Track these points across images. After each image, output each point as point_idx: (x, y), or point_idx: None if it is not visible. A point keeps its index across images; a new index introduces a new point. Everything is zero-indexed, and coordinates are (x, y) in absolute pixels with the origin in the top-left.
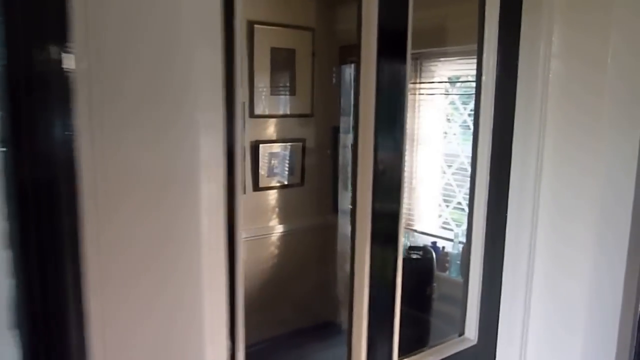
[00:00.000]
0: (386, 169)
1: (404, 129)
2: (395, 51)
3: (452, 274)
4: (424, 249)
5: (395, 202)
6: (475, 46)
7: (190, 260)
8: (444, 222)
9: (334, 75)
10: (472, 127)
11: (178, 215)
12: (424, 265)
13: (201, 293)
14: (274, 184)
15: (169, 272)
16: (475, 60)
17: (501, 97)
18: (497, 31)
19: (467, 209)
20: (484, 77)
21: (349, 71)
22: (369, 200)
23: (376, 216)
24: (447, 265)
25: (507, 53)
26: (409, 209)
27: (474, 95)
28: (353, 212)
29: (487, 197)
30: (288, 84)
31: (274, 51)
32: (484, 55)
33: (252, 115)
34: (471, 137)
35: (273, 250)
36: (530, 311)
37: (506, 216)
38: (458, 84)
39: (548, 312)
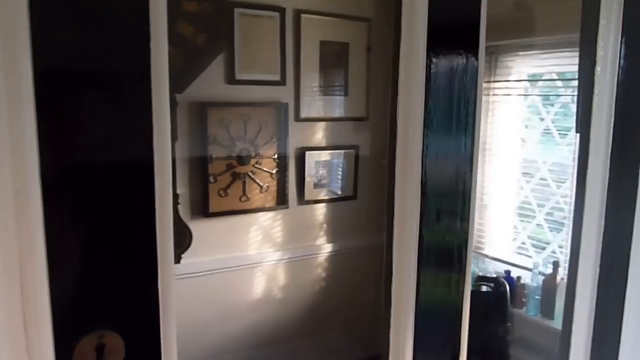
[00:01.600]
0: (448, 181)
1: (476, 131)
2: (461, 40)
3: (530, 311)
4: (495, 280)
5: (462, 221)
6: (572, 36)
7: None
8: (520, 247)
9: (394, 72)
10: (556, 134)
11: None
12: (495, 301)
13: None
14: (322, 196)
15: None
16: (566, 54)
17: (626, 95)
18: (622, 10)
19: (549, 232)
20: (598, 71)
21: None
22: (416, 221)
23: (432, 240)
24: (523, 300)
25: (635, 40)
26: (477, 229)
27: (560, 96)
28: (389, 233)
29: (602, 219)
30: (340, 83)
31: (324, 45)
32: (600, 44)
33: (297, 118)
34: (555, 146)
35: (320, 272)
36: None
37: (630, 244)
38: (539, 83)
39: None
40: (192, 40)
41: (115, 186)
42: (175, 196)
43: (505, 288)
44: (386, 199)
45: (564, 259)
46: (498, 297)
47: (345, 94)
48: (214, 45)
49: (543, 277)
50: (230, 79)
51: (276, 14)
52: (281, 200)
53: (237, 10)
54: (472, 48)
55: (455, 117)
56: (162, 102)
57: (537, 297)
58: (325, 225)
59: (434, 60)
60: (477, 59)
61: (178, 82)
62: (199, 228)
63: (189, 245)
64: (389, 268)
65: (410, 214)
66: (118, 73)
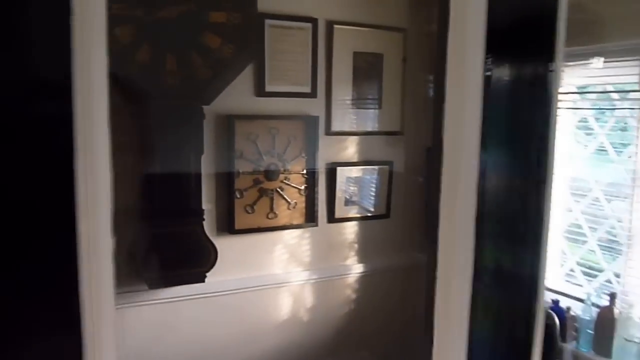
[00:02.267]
0: (514, 207)
1: (551, 149)
2: (531, 42)
3: (583, 347)
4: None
5: (531, 250)
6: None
7: None
8: (569, 274)
9: (430, 84)
10: (612, 150)
11: None
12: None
13: None
14: (353, 214)
15: None
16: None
17: None
18: None
19: (602, 258)
20: None
21: None
22: (469, 248)
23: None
24: (574, 334)
25: None
26: None
27: (615, 109)
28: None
29: None
30: (373, 95)
31: (358, 56)
32: None
33: (328, 132)
34: (609, 164)
35: (349, 294)
36: None
37: None
38: (591, 96)
39: None
40: (220, 51)
41: None
42: (201, 212)
43: (554, 320)
44: (424, 219)
45: (620, 289)
46: (546, 330)
47: (379, 107)
48: (242, 56)
49: (597, 309)
50: (259, 91)
51: (308, 25)
52: (310, 218)
53: (267, 22)
54: (545, 51)
55: (522, 135)
56: None
57: (589, 331)
58: (356, 245)
59: (493, 68)
60: (552, 65)
61: (205, 94)
62: (224, 245)
63: (213, 263)
64: (430, 296)
65: (463, 237)
66: None
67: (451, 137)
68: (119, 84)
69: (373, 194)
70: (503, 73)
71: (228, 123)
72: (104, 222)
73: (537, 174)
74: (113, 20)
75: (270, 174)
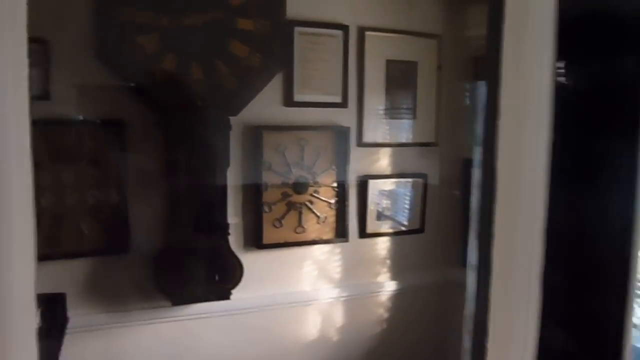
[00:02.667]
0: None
1: None
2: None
3: None
4: None
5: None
6: None
7: None
8: None
9: (467, 93)
10: None
11: None
12: None
13: None
14: (386, 229)
15: None
16: None
17: None
18: None
19: None
20: None
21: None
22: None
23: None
24: None
25: None
26: None
27: None
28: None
29: None
30: (407, 105)
31: (390, 64)
32: None
33: (359, 143)
34: None
35: (382, 312)
36: None
37: None
38: None
39: None
40: (247, 60)
41: None
42: (226, 226)
43: None
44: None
45: None
46: None
47: (413, 117)
48: (270, 65)
49: None
50: (288, 101)
51: (338, 32)
52: (340, 233)
53: (296, 29)
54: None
55: (603, 164)
56: None
57: None
58: (388, 261)
59: (568, 75)
60: None
61: (231, 105)
62: (251, 260)
63: (239, 280)
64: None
65: (530, 260)
66: None
67: (508, 165)
68: (143, 94)
69: (406, 208)
70: (579, 82)
71: (255, 134)
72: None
73: (622, 214)
74: (137, 30)
75: (299, 187)
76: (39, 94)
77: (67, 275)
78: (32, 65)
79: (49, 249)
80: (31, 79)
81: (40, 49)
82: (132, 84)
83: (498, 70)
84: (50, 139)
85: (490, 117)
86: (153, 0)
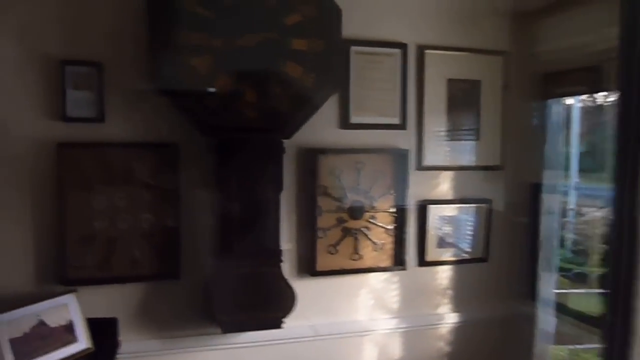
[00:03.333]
0: None
1: None
2: None
3: None
4: None
5: None
6: None
7: None
8: None
9: (535, 113)
10: None
11: None
12: None
13: None
14: (447, 257)
15: None
16: None
17: None
18: None
19: None
20: None
21: (558, 108)
22: None
23: None
24: None
25: None
26: None
27: None
28: None
29: None
30: (470, 126)
31: (452, 83)
32: None
33: (419, 167)
34: None
35: (442, 346)
36: None
37: None
38: None
39: None
40: (301, 81)
41: None
42: (279, 252)
43: None
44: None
45: None
46: None
47: (476, 139)
48: (325, 86)
49: None
50: (344, 123)
51: (397, 51)
52: (398, 260)
53: (353, 49)
54: None
55: None
56: None
57: None
58: (449, 291)
59: None
60: None
61: (285, 127)
62: (304, 288)
63: (291, 308)
64: None
65: None
66: None
67: None
68: (196, 116)
69: (469, 235)
70: None
71: (310, 157)
72: None
73: None
74: (191, 52)
75: (355, 212)
76: (94, 117)
77: (120, 300)
78: (87, 88)
79: (102, 273)
80: (86, 101)
81: (95, 72)
82: (185, 106)
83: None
84: (104, 162)
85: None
86: (206, 22)
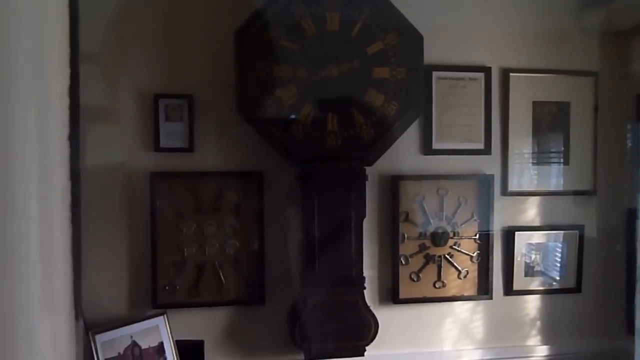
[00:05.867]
0: None
1: None
2: None
3: None
4: None
5: None
6: None
7: None
8: None
9: (629, 135)
10: None
11: None
12: None
13: None
14: (535, 287)
15: None
16: None
17: None
18: None
19: None
20: None
21: None
22: None
23: None
24: None
25: None
26: None
27: None
28: None
29: None
30: (558, 149)
31: (538, 106)
32: None
33: (504, 192)
34: None
35: None
36: None
37: None
38: None
39: None
40: (383, 109)
41: None
42: (362, 280)
43: None
44: (624, 297)
45: None
46: None
47: (566, 163)
48: (407, 113)
49: None
50: (426, 149)
51: (480, 75)
52: (483, 289)
53: (435, 74)
54: None
55: None
56: None
57: None
58: (538, 323)
59: None
60: None
61: (367, 154)
62: (386, 316)
63: (374, 336)
64: None
65: None
66: None
67: None
68: (280, 145)
69: (559, 263)
70: None
71: (392, 184)
72: None
73: None
74: (276, 83)
75: (438, 239)
76: (185, 147)
77: (207, 323)
78: (178, 119)
79: (191, 297)
80: (177, 132)
81: (186, 104)
82: (270, 135)
83: None
84: (193, 190)
85: None
86: (291, 54)
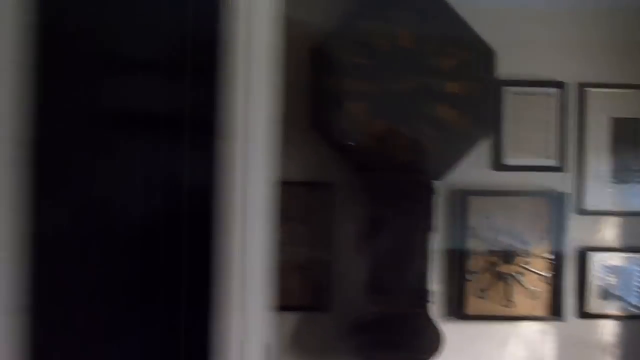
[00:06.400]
0: None
1: None
2: None
3: None
4: None
5: None
6: None
7: None
8: None
9: None
10: None
11: None
12: None
13: None
14: (612, 311)
15: None
16: None
17: None
18: None
19: None
20: None
21: None
22: None
23: None
24: None
25: None
26: None
27: None
28: None
29: None
30: (639, 167)
31: (617, 122)
32: None
33: (579, 211)
34: None
35: None
36: None
37: None
38: None
39: None
40: (454, 123)
41: None
42: (428, 294)
43: None
44: None
45: None
46: None
47: None
48: (478, 128)
49: None
50: (497, 165)
51: (554, 90)
52: (555, 310)
53: (507, 89)
54: None
55: None
56: None
57: None
58: (615, 349)
59: None
60: None
61: (437, 169)
62: (451, 331)
63: (438, 350)
64: None
65: None
66: None
67: None
68: (351, 158)
69: (639, 287)
70: None
71: (461, 199)
72: None
73: None
74: (348, 98)
75: (507, 256)
76: None
77: (274, 328)
78: None
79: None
80: None
81: None
82: (341, 148)
83: None
84: None
85: None
86: (364, 70)
